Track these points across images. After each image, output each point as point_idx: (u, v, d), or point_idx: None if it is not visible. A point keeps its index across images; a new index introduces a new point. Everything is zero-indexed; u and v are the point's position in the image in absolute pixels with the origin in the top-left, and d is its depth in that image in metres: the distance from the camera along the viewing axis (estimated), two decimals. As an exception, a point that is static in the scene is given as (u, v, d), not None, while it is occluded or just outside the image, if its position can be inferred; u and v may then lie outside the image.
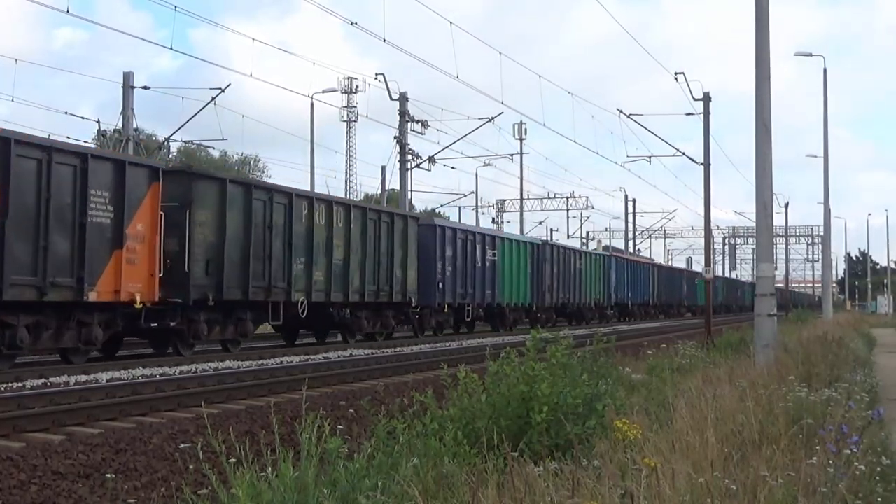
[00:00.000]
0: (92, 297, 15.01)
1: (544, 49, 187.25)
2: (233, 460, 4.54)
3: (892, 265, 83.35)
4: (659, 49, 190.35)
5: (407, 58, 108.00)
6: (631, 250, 64.82)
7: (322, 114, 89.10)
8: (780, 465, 4.49)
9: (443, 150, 37.21)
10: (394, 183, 40.27)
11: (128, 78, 29.38)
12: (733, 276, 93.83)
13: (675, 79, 27.93)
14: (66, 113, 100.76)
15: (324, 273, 21.67)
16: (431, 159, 36.60)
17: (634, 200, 67.84)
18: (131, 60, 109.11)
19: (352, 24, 24.20)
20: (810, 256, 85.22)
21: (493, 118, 38.39)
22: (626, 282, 48.57)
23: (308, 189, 31.25)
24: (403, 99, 33.57)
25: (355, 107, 59.20)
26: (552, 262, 37.39)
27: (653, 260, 68.32)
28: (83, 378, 13.26)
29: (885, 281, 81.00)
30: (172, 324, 17.07)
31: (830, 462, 4.51)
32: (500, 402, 6.38)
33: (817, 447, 4.98)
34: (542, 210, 65.38)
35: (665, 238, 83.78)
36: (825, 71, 38.68)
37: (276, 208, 20.04)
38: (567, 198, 64.28)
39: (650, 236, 79.21)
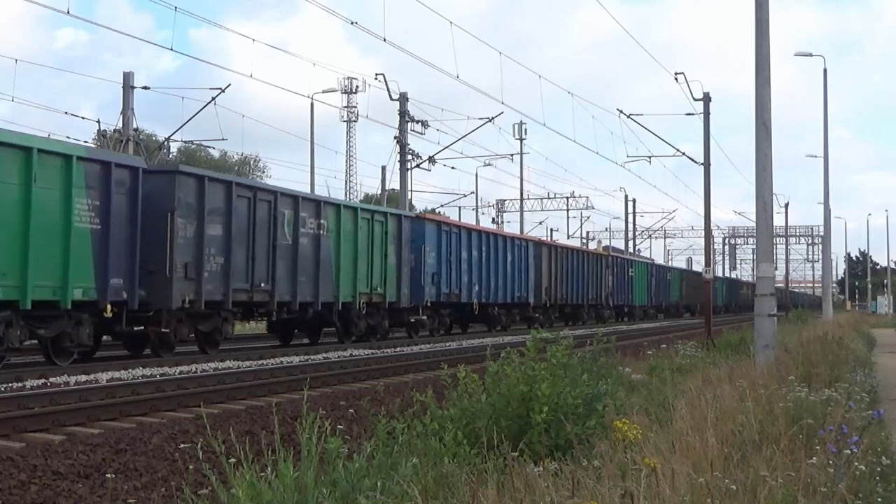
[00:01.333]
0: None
1: (544, 49, 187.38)
2: (233, 460, 4.55)
3: (893, 265, 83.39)
4: (659, 49, 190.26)
5: (407, 58, 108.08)
6: (631, 250, 64.80)
7: (322, 114, 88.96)
8: (780, 465, 4.49)
9: (443, 150, 37.19)
10: (394, 183, 40.32)
11: (128, 78, 29.40)
12: (733, 275, 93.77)
13: (675, 79, 27.97)
14: (66, 113, 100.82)
15: None
16: (431, 159, 36.60)
17: (634, 200, 67.88)
18: (133, 61, 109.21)
19: (352, 23, 24.24)
20: (810, 256, 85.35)
21: (493, 118, 38.39)
22: (466, 267, 29.39)
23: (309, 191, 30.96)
24: (403, 99, 33.57)
25: (355, 107, 59.23)
26: (219, 214, 18.15)
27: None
28: (83, 378, 13.26)
29: (886, 281, 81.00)
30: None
31: (830, 462, 4.51)
32: (500, 403, 6.39)
33: (817, 447, 4.98)
34: (543, 210, 65.48)
35: (665, 238, 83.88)
36: (825, 71, 38.74)
37: None
38: (567, 198, 64.35)
39: (650, 236, 79.29)
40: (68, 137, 24.92)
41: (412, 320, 26.08)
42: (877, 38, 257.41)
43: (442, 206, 59.45)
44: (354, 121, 60.83)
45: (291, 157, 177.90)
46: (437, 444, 5.47)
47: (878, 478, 4.72)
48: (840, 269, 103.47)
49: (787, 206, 68.73)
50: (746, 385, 7.22)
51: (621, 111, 30.63)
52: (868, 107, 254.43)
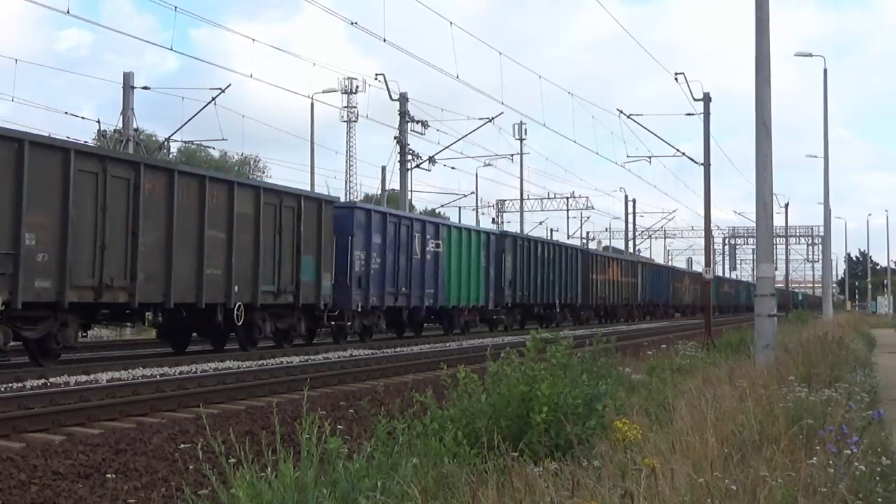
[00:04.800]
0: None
1: (544, 49, 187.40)
2: (233, 460, 4.54)
3: (893, 265, 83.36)
4: (659, 49, 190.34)
5: (407, 58, 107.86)
6: (631, 250, 64.83)
7: (322, 114, 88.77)
8: (780, 466, 4.49)
9: (443, 151, 37.20)
10: (394, 183, 40.33)
11: (128, 78, 29.40)
12: (733, 275, 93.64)
13: (675, 79, 27.93)
14: (66, 113, 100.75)
15: None
16: (431, 159, 36.59)
17: (634, 201, 67.92)
18: (136, 62, 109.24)
19: (352, 24, 24.26)
20: (810, 257, 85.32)
21: (493, 118, 38.41)
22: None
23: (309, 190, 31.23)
24: (403, 99, 33.55)
25: (355, 107, 59.21)
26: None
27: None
28: (83, 378, 13.26)
29: (886, 281, 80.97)
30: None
31: (830, 462, 4.50)
32: (500, 403, 6.38)
33: (817, 447, 4.98)
34: (542, 210, 65.50)
35: (665, 238, 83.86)
36: (825, 71, 38.72)
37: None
38: (567, 198, 64.37)
39: (650, 236, 79.29)
40: (68, 137, 24.89)
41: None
42: (877, 39, 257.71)
43: (442, 206, 59.60)
44: (354, 121, 60.87)
45: (291, 157, 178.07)
46: (437, 445, 5.47)
47: (878, 478, 4.72)
48: (840, 269, 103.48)
49: (787, 206, 68.77)
50: (746, 385, 7.22)
51: (621, 111, 30.63)
52: (868, 107, 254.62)
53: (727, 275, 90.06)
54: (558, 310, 37.34)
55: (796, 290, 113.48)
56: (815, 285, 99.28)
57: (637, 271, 50.94)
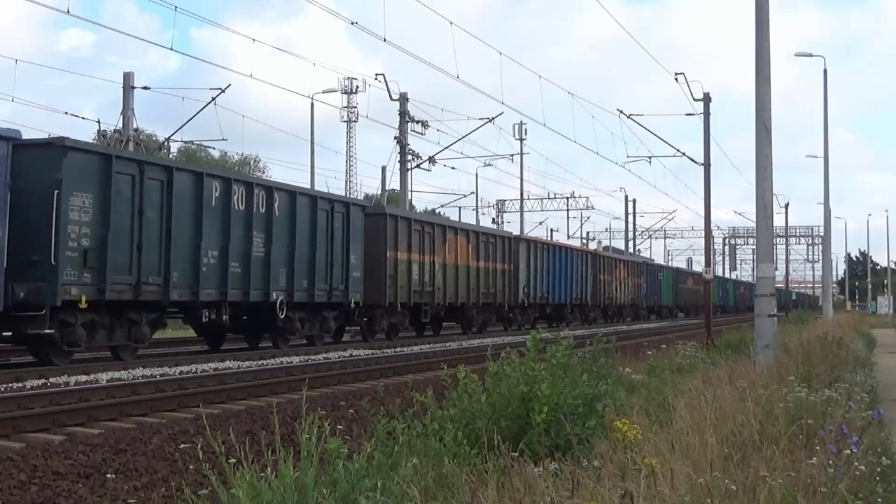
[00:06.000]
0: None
1: (545, 49, 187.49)
2: (233, 460, 4.54)
3: (893, 266, 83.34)
4: (659, 49, 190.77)
5: (407, 58, 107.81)
6: (631, 250, 64.82)
7: (322, 114, 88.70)
8: (780, 466, 4.49)
9: (443, 151, 37.19)
10: (394, 183, 40.33)
11: (128, 78, 29.41)
12: (733, 275, 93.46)
13: (676, 79, 27.90)
14: (66, 113, 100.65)
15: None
16: (432, 159, 36.60)
17: (634, 201, 67.86)
18: (137, 62, 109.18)
19: (352, 23, 24.29)
20: (810, 257, 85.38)
21: (493, 118, 38.41)
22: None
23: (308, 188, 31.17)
24: (404, 99, 33.55)
25: (356, 107, 59.19)
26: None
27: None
28: (83, 378, 13.26)
29: (886, 281, 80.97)
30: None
31: (830, 462, 4.50)
32: (500, 403, 6.38)
33: (817, 447, 4.98)
34: (543, 210, 65.49)
35: (665, 238, 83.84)
36: (825, 72, 38.70)
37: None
38: (567, 198, 64.38)
39: (650, 237, 79.27)
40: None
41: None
42: (877, 40, 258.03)
43: (442, 206, 59.53)
44: (355, 121, 60.85)
45: (291, 157, 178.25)
46: (437, 445, 5.47)
47: (878, 478, 4.72)
48: (840, 269, 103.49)
49: (787, 206, 68.66)
50: (746, 385, 7.22)
51: (622, 111, 30.54)
52: (869, 107, 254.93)
53: (727, 274, 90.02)
54: (283, 314, 19.66)
55: (791, 290, 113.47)
56: (815, 285, 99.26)
57: (517, 254, 33.28)
